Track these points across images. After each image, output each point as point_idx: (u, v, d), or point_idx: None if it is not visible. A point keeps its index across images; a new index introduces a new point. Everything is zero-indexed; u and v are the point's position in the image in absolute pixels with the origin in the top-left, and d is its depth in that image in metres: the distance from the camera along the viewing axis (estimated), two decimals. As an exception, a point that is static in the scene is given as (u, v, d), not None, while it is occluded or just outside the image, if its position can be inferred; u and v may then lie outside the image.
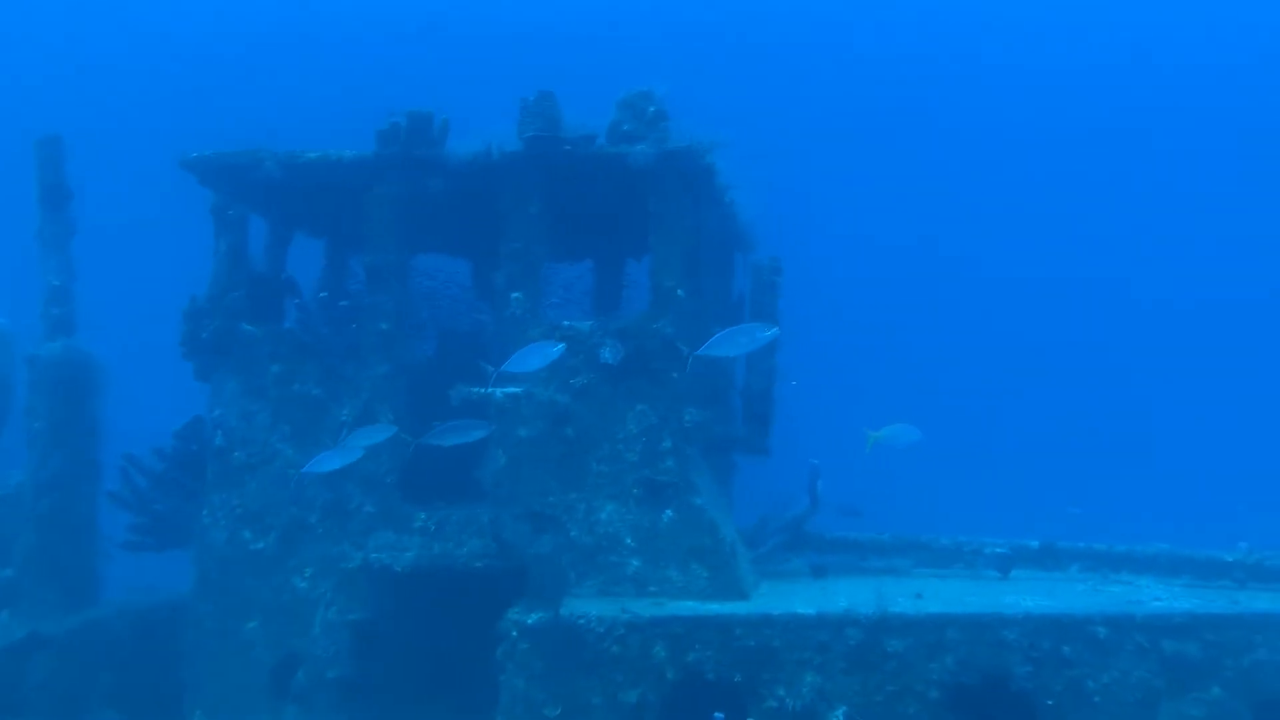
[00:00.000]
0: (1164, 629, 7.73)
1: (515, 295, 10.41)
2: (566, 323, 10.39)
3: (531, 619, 8.33)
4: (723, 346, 8.93)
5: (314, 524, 10.06)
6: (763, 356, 13.69)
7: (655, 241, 10.43)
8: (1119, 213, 45.20)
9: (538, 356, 9.09)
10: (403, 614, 9.56)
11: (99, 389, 11.30)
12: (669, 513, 9.82)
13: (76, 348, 11.18)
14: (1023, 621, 7.83)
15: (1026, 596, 8.83)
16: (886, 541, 12.07)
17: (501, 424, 9.48)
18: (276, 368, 10.45)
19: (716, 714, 7.32)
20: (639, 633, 8.22)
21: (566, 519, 9.84)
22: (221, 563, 10.02)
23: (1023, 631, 7.80)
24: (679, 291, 10.35)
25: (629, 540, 9.73)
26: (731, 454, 13.42)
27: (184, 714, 9.73)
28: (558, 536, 9.74)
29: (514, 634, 8.33)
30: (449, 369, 11.08)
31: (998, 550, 11.33)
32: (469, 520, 9.89)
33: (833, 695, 7.86)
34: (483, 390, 8.92)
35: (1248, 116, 44.01)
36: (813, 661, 7.94)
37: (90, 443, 11.06)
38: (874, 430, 10.73)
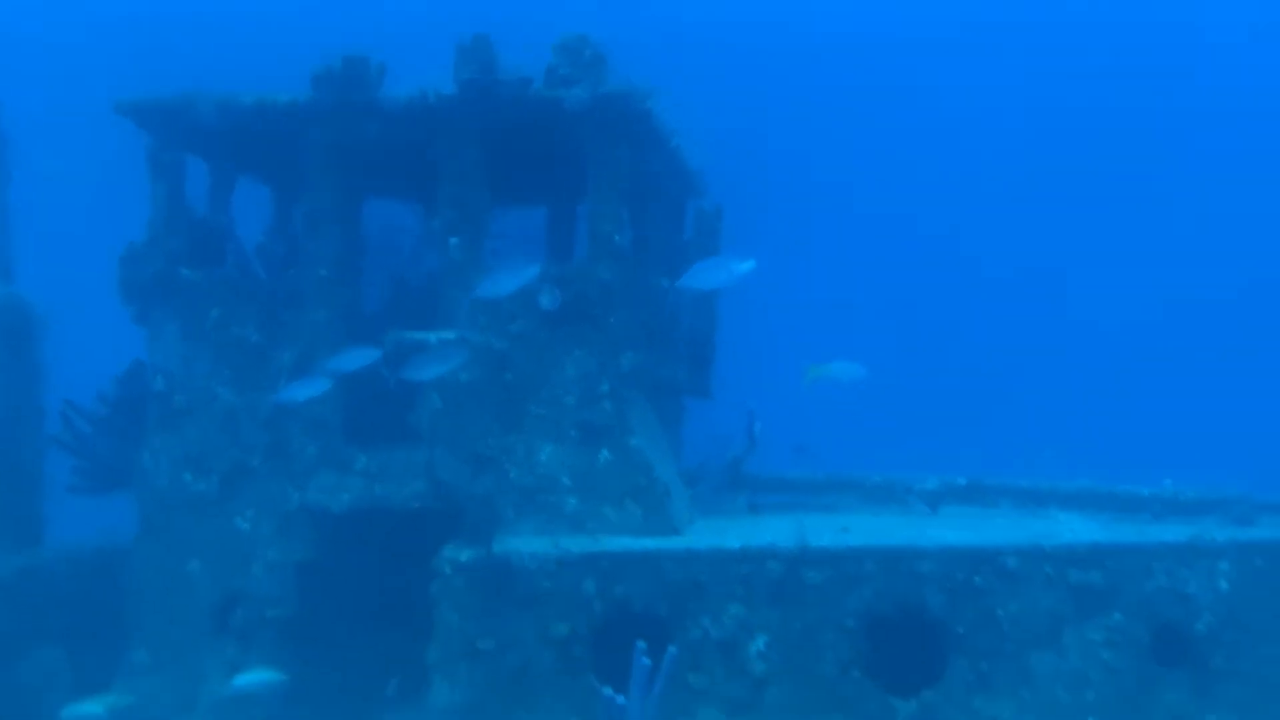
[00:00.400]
0: (1070, 559, 8.09)
1: (453, 241, 10.51)
2: (504, 269, 10.48)
3: (465, 556, 8.58)
4: (701, 279, 8.93)
5: (256, 466, 10.20)
6: (705, 301, 13.94)
7: (593, 186, 10.53)
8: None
9: (513, 279, 9.01)
10: (343, 554, 9.76)
11: (39, 335, 11.35)
12: (605, 453, 10.03)
13: (16, 295, 11.19)
14: (937, 554, 8.16)
15: (948, 530, 9.16)
16: (821, 480, 12.43)
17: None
18: (216, 312, 10.51)
19: (639, 643, 7.58)
20: (569, 568, 8.49)
21: (506, 461, 10.03)
22: (163, 505, 10.15)
23: (937, 563, 8.13)
24: (616, 237, 10.47)
25: (566, 480, 9.95)
26: (679, 397, 13.69)
27: (128, 652, 9.91)
28: (497, 477, 9.97)
29: (448, 570, 8.58)
30: (401, 318, 11.20)
31: (927, 487, 11.70)
32: (410, 462, 10.05)
33: (755, 625, 8.18)
34: (417, 336, 9.01)
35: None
36: (736, 593, 8.25)
37: (32, 388, 11.12)
38: (815, 365, 10.83)
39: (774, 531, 9.20)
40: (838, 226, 44.95)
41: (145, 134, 10.96)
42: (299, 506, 9.79)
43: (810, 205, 44.30)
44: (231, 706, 8.30)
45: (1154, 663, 7.94)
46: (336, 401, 10.22)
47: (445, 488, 9.16)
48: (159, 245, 10.65)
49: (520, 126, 10.92)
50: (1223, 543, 8.28)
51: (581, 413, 10.12)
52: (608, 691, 7.53)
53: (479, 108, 10.53)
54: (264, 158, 12.24)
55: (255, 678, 8.53)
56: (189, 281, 10.61)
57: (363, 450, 10.19)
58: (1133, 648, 7.93)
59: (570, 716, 8.27)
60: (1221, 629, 8.02)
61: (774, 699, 8.06)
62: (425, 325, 10.20)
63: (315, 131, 10.64)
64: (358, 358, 9.20)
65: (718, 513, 11.47)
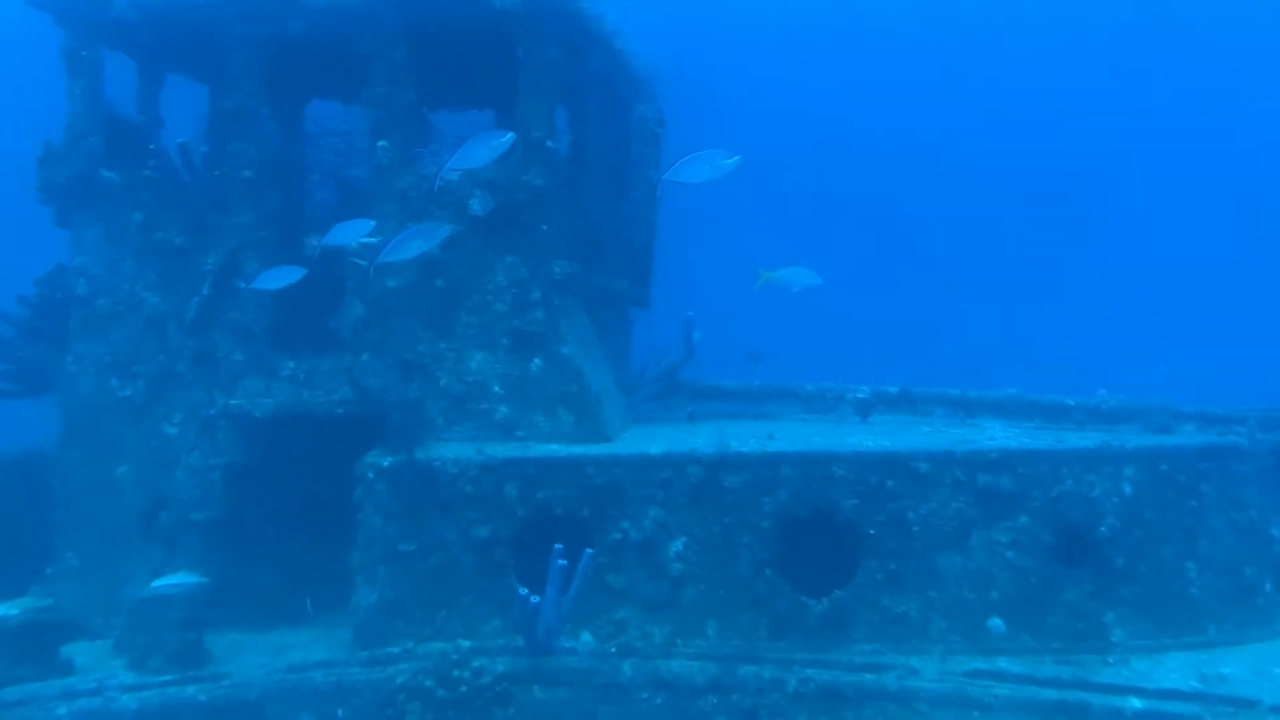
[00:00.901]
0: (980, 464, 8.29)
1: (381, 143, 10.36)
2: (435, 172, 10.36)
3: (387, 461, 8.64)
4: (685, 171, 8.68)
5: (183, 372, 10.15)
6: (643, 210, 13.87)
7: (524, 89, 10.36)
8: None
9: (486, 149, 8.65)
10: (268, 459, 9.79)
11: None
12: (537, 361, 10.07)
13: None
14: (851, 458, 8.33)
15: (869, 437, 9.33)
16: (757, 389, 12.56)
17: (356, 274, 9.56)
18: (139, 215, 10.34)
19: (556, 545, 7.73)
20: (492, 473, 8.59)
21: (436, 368, 10.05)
22: (89, 410, 10.10)
23: (850, 467, 8.30)
24: (549, 142, 10.36)
25: (497, 388, 10.00)
26: (623, 306, 13.70)
27: (55, 556, 9.95)
28: (427, 384, 9.99)
29: (370, 475, 8.65)
30: (350, 216, 11.06)
31: (859, 395, 11.86)
32: (338, 369, 10.03)
33: (673, 527, 8.35)
34: (334, 242, 8.92)
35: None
36: (656, 497, 8.39)
37: None
38: (766, 270, 10.76)
39: (702, 438, 9.34)
40: (799, 133, 44.60)
41: (62, 29, 10.63)
42: (222, 411, 9.78)
43: (771, 115, 43.88)
44: (150, 609, 8.37)
45: (1057, 563, 8.19)
46: (264, 308, 10.16)
47: (369, 394, 9.17)
48: (78, 145, 10.41)
49: (454, 26, 10.70)
50: (1129, 448, 8.50)
51: (513, 320, 10.13)
52: (523, 591, 7.70)
53: (406, 5, 10.31)
54: (194, 54, 11.91)
55: (175, 580, 8.60)
56: (110, 183, 10.41)
57: (291, 357, 10.16)
58: (1037, 549, 8.16)
59: (491, 617, 8.45)
60: (1124, 531, 8.28)
61: (690, 598, 8.27)
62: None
63: (237, 27, 10.37)
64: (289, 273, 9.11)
65: (655, 420, 11.59)
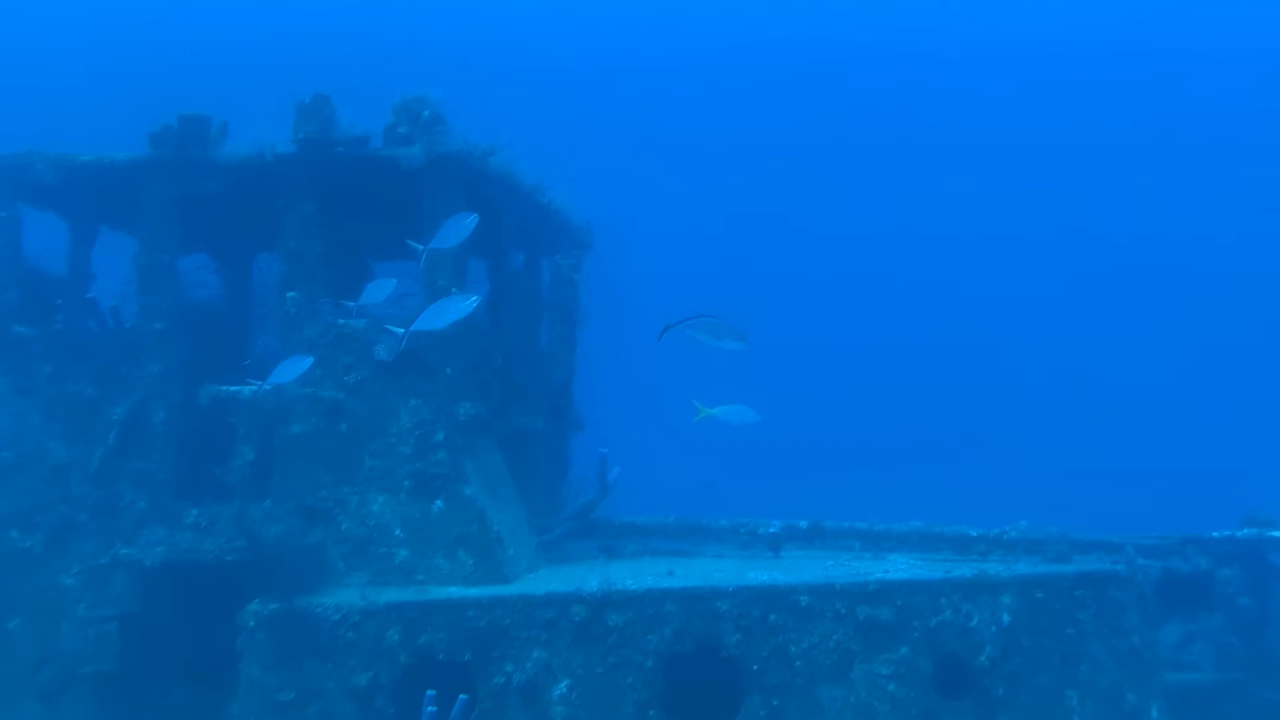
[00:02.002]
0: (860, 596, 8.42)
1: (290, 294, 10.70)
2: (342, 321, 10.68)
3: (268, 609, 8.67)
4: (429, 320, 8.89)
5: (84, 522, 10.20)
6: (562, 351, 14.22)
7: (430, 241, 10.76)
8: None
9: (452, 311, 8.86)
10: (161, 609, 9.76)
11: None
12: (439, 503, 10.21)
13: None
14: (734, 593, 8.44)
15: (767, 572, 9.45)
16: (671, 525, 12.72)
17: (249, 420, 9.75)
18: (49, 368, 10.56)
19: (428, 691, 7.73)
20: (374, 618, 8.62)
21: (339, 512, 10.16)
22: (-14, 563, 10.11)
23: (734, 602, 8.40)
24: (452, 290, 10.72)
25: (398, 531, 10.09)
26: (545, 443, 13.84)
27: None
28: (329, 529, 10.08)
29: (251, 623, 8.66)
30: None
31: (770, 530, 12.04)
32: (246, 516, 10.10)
33: (558, 669, 8.37)
34: (231, 388, 9.15)
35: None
36: (540, 638, 8.43)
37: None
38: (704, 406, 10.93)
39: (597, 577, 9.41)
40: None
41: (-12, 192, 11.04)
42: (112, 561, 9.80)
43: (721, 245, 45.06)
44: None
45: (937, 694, 8.26)
46: (167, 455, 10.29)
47: (257, 541, 9.24)
48: (-8, 301, 10.70)
49: (364, 183, 11.19)
50: (1005, 577, 8.67)
51: (416, 462, 10.30)
52: None
53: (316, 165, 10.80)
54: (121, 211, 12.32)
55: None
56: (21, 337, 10.64)
57: (194, 504, 10.24)
58: (917, 680, 8.23)
59: (372, 765, 8.36)
60: (1003, 660, 8.37)
61: (574, 742, 8.24)
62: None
63: (152, 187, 10.79)
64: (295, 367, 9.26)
65: (567, 559, 11.65)
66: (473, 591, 8.94)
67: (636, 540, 12.71)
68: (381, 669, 8.48)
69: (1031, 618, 8.60)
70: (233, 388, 9.13)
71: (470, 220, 9.02)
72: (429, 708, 7.63)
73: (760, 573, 9.35)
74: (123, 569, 9.76)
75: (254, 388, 9.17)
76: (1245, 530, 10.35)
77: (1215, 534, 10.63)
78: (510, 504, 11.46)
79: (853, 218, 46.81)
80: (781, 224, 46.76)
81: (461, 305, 8.54)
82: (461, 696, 7.87)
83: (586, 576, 9.18)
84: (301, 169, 10.76)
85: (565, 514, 12.94)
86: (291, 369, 9.23)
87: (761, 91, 47.15)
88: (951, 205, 46.87)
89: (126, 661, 9.63)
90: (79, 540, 10.14)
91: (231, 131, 11.36)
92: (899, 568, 9.71)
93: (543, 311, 14.10)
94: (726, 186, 46.26)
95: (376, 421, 10.41)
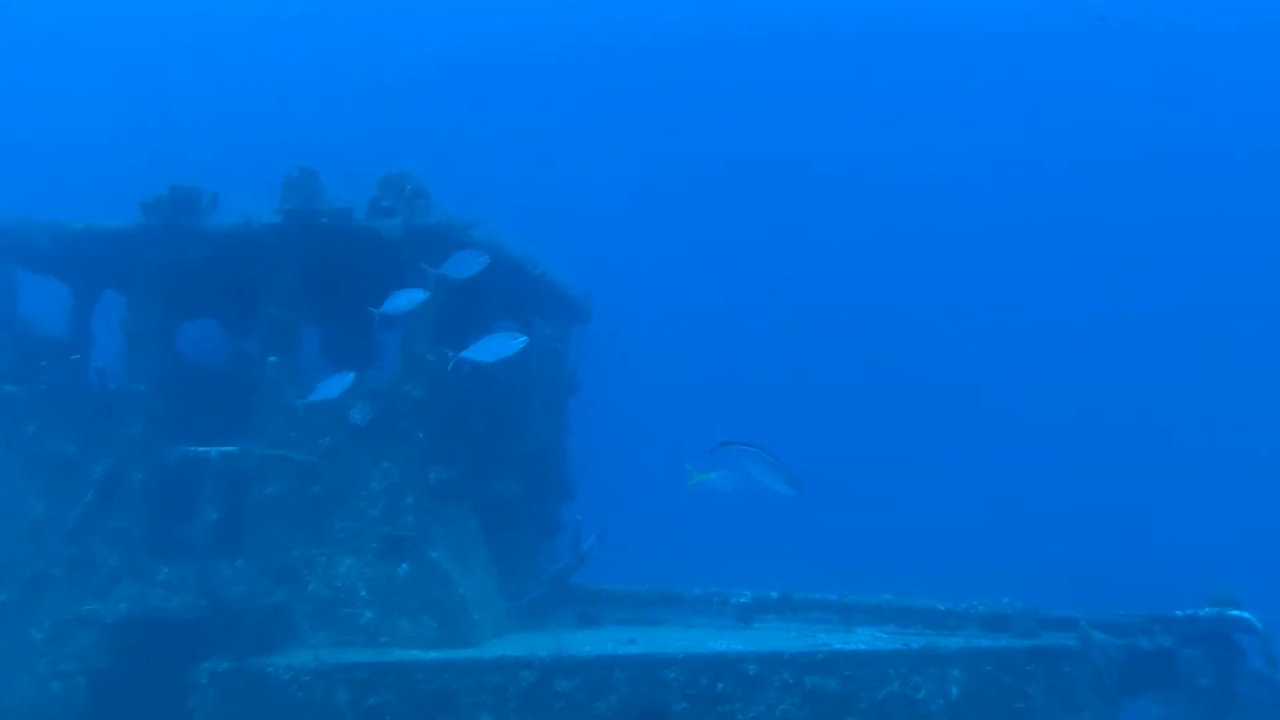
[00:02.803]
0: (807, 666, 8.38)
1: (272, 359, 10.92)
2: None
3: (220, 667, 8.72)
4: (479, 352, 9.19)
5: (58, 577, 10.31)
6: (545, 418, 14.35)
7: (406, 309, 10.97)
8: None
9: (501, 347, 9.26)
10: (126, 665, 9.79)
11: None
12: (405, 566, 10.29)
13: None
14: (682, 661, 8.43)
15: (725, 641, 9.43)
16: (644, 593, 12.69)
17: (214, 481, 9.85)
18: (32, 427, 10.76)
19: None
20: (323, 679, 8.66)
21: (307, 572, 10.26)
22: (-41, 617, 10.21)
23: (682, 670, 8.39)
24: (428, 356, 10.91)
25: (364, 593, 10.17)
26: (526, 508, 13.87)
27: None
28: (296, 589, 10.17)
29: (204, 681, 8.71)
30: None
31: (741, 600, 12.00)
32: (216, 574, 10.19)
33: (504, 733, 8.36)
34: (199, 449, 9.30)
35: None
36: (488, 703, 8.44)
37: None
38: (696, 472, 10.94)
39: (580, 643, 9.38)
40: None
41: (-20, 256, 11.38)
42: (74, 618, 9.88)
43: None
44: None
45: (883, 767, 8.18)
46: (142, 514, 10.42)
47: (217, 599, 9.32)
48: (-19, 362, 10.96)
49: (348, 254, 11.46)
50: (953, 649, 8.63)
51: (384, 526, 10.41)
52: None
53: (300, 235, 11.08)
54: (117, 275, 12.63)
55: None
56: (9, 396, 10.88)
57: (167, 562, 10.34)
58: (863, 754, 8.17)
59: (314, 828, 8.32)
60: (949, 733, 8.31)
61: (518, 809, 8.20)
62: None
63: (141, 254, 11.10)
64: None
65: (543, 626, 11.64)
66: (423, 654, 8.96)
67: (611, 608, 12.70)
68: None
69: (980, 691, 8.53)
70: (200, 449, 9.27)
71: (519, 342, 9.33)
72: (366, 768, 7.63)
73: (723, 642, 9.33)
74: (88, 625, 9.83)
75: (218, 450, 9.32)
76: (1206, 610, 10.23)
77: (1179, 613, 10.50)
78: (480, 569, 11.50)
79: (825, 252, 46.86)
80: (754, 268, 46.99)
81: (510, 343, 8.73)
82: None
83: (544, 643, 9.20)
84: (285, 239, 11.03)
85: (539, 580, 12.94)
86: (336, 385, 9.38)
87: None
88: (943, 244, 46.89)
89: (93, 717, 9.64)
90: (52, 595, 10.22)
91: (224, 202, 11.72)
92: (859, 638, 9.68)
93: (530, 379, 14.25)
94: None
95: (348, 485, 10.54)
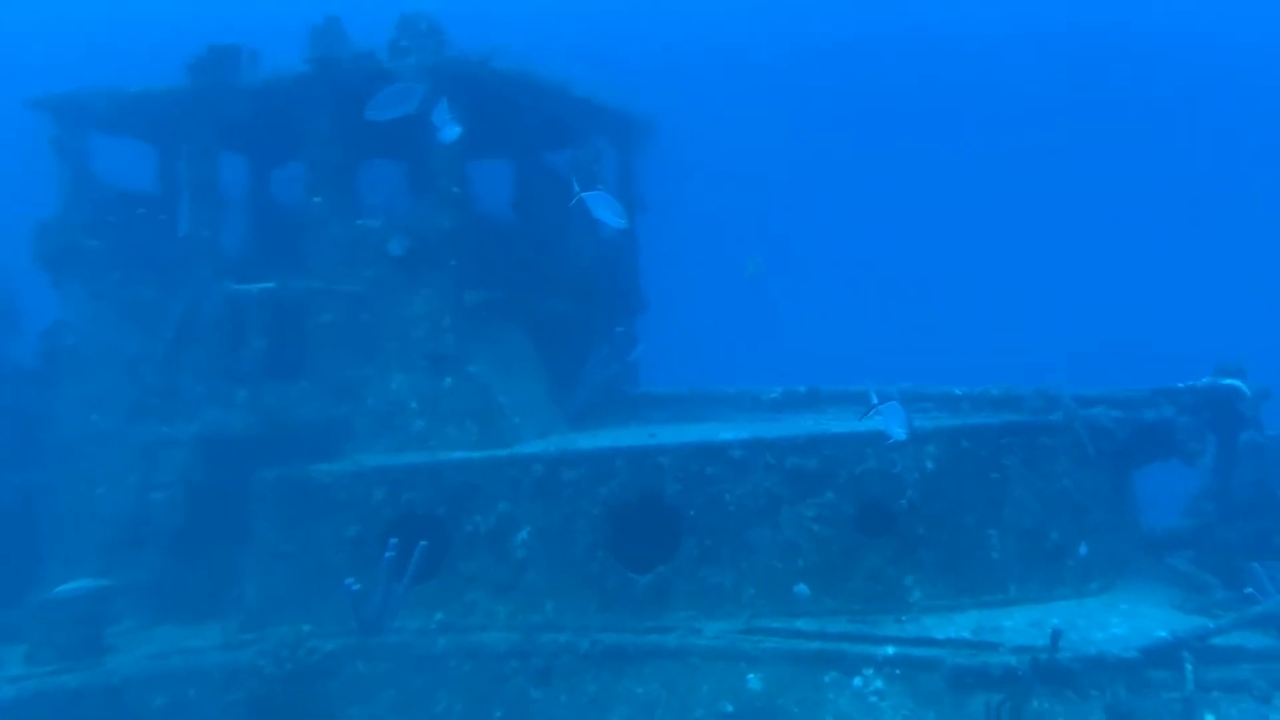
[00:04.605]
0: (788, 448, 8.75)
1: (316, 200, 11.47)
2: (360, 220, 11.42)
3: (274, 474, 9.62)
4: (598, 204, 9.63)
5: (155, 405, 11.37)
6: (586, 241, 14.60)
7: (433, 148, 11.26)
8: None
9: (611, 210, 9.68)
10: (202, 478, 10.75)
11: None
12: (448, 380, 10.98)
13: None
14: (675, 450, 8.90)
15: (736, 430, 9.79)
16: (684, 394, 13.16)
17: (258, 314, 10.53)
18: (116, 274, 11.67)
19: (391, 539, 8.51)
20: (362, 480, 9.48)
21: (364, 390, 11.05)
22: (72, 441, 11.41)
23: (674, 457, 8.87)
24: (454, 189, 11.28)
25: (414, 405, 10.93)
26: (564, 325, 14.35)
27: (44, 568, 11.21)
28: (356, 405, 11.00)
29: (259, 488, 9.64)
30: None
31: (772, 395, 12.38)
32: (287, 394, 11.04)
33: (519, 518, 9.07)
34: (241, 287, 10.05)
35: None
36: (504, 493, 9.14)
37: None
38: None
39: (598, 438, 9.93)
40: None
41: (53, 124, 12.09)
42: (154, 440, 10.90)
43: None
44: (46, 610, 9.48)
45: (859, 533, 8.58)
46: (214, 345, 11.22)
47: (273, 417, 10.16)
48: (66, 219, 11.82)
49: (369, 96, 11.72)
50: (931, 428, 8.85)
51: (428, 345, 11.06)
52: (347, 581, 8.54)
53: (329, 81, 11.40)
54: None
55: (74, 585, 9.70)
56: (93, 249, 11.77)
57: (243, 386, 11.21)
58: (840, 521, 8.56)
59: (352, 604, 9.24)
60: (924, 502, 8.61)
61: (532, 579, 8.95)
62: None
63: (191, 111, 11.63)
64: None
65: (595, 426, 12.25)
66: (449, 455, 9.69)
67: (657, 408, 13.24)
68: (369, 523, 9.35)
69: (955, 464, 8.77)
70: (242, 286, 9.97)
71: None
72: (387, 553, 8.45)
73: (730, 432, 9.70)
74: (164, 446, 10.85)
75: (262, 286, 10.00)
76: (1203, 380, 10.11)
77: (1180, 385, 10.42)
78: (525, 379, 12.11)
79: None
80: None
81: (617, 213, 9.33)
82: (421, 543, 8.66)
83: (575, 440, 9.77)
84: (315, 86, 11.37)
85: (585, 387, 13.53)
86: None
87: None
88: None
89: (189, 521, 10.78)
90: (147, 419, 11.28)
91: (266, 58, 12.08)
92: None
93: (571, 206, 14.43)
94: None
95: (393, 310, 11.16)
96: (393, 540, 8.58)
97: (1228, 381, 9.77)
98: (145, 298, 11.62)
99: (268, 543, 9.56)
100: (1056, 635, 7.08)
